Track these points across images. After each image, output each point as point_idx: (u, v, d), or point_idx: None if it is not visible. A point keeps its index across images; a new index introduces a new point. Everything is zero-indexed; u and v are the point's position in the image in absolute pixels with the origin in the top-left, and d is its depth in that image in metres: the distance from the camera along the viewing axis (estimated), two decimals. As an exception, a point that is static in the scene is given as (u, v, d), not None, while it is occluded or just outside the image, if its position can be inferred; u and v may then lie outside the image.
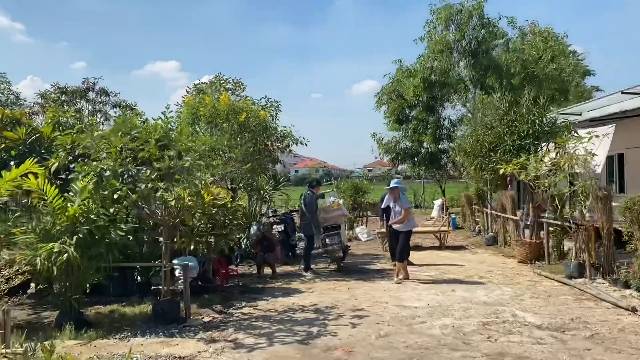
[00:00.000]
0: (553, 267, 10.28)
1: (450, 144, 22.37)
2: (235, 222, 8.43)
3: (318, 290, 8.68)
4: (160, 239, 7.57)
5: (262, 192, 18.04)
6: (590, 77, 23.34)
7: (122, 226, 6.83)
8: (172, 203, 6.31)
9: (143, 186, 6.00)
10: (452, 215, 19.92)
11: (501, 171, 10.12)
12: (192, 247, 7.92)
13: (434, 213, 24.41)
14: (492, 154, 11.26)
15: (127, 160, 6.32)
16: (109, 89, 14.12)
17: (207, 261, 8.77)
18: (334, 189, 12.09)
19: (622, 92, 11.50)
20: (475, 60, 18.57)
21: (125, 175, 6.44)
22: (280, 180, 19.80)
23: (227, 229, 8.24)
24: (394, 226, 9.68)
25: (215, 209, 8.17)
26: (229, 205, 8.46)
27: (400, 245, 9.47)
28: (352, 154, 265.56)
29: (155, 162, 6.40)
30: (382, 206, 10.54)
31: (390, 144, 22.66)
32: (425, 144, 21.96)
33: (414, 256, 11.45)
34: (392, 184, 9.86)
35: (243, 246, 12.28)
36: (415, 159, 22.34)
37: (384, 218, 11.32)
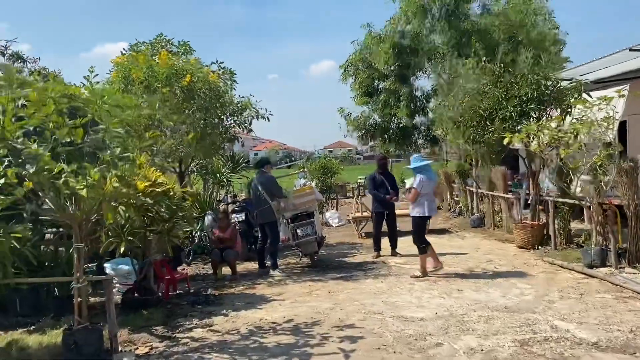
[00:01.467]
0: (562, 253, 8.87)
1: (423, 118, 20.85)
2: (181, 214, 6.54)
3: (291, 297, 6.95)
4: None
5: (218, 175, 16.15)
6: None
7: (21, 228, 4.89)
8: (83, 193, 4.38)
9: (32, 169, 4.05)
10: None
11: (504, 141, 8.55)
12: (122, 249, 6.01)
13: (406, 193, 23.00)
14: (488, 123, 9.70)
15: (14, 131, 4.35)
16: (25, 54, 11.79)
17: (147, 265, 6.88)
18: (305, 169, 10.23)
19: (631, 50, 10.13)
20: (453, 24, 16.94)
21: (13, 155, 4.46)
22: (239, 161, 17.88)
23: (171, 224, 6.35)
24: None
25: (153, 199, 6.26)
26: (172, 193, 6.55)
27: (413, 236, 8.08)
28: (311, 135, 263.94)
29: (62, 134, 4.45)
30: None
31: (360, 120, 20.90)
32: (396, 119, 20.31)
33: (385, 241, 9.89)
34: (410, 164, 8.17)
35: (196, 240, 10.39)
36: (386, 135, 20.69)
37: (377, 195, 9.62)
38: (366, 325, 5.49)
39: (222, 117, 10.99)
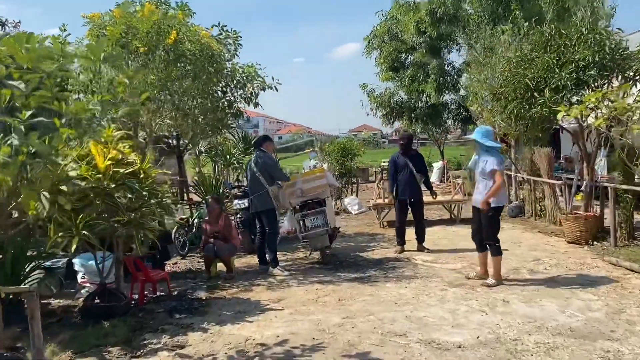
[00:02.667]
0: (625, 251, 7.36)
1: (453, 95, 19.14)
2: (153, 201, 5.24)
3: (292, 305, 5.62)
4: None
5: (228, 157, 14.89)
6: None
7: None
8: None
9: None
10: (458, 181, 16.93)
11: (559, 115, 7.00)
12: (74, 245, 4.75)
13: (433, 177, 21.41)
14: (535, 94, 8.12)
15: None
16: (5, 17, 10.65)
17: (114, 263, 5.63)
18: (316, 150, 8.81)
19: None
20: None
21: None
22: (252, 141, 16.67)
23: (138, 214, 5.06)
24: (473, 200, 6.31)
25: (117, 182, 4.98)
26: (143, 175, 5.26)
27: (485, 231, 6.15)
28: (336, 119, 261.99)
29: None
30: (469, 165, 6.68)
31: (384, 97, 19.30)
32: (424, 96, 18.64)
33: (411, 232, 8.49)
34: (472, 134, 6.31)
35: (194, 229, 9.13)
36: (413, 114, 19.08)
37: (394, 188, 8.24)
38: (384, 354, 4.12)
39: (226, 89, 9.66)
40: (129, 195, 5.09)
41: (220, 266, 7.24)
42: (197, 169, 15.89)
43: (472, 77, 12.80)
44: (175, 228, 8.70)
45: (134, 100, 5.95)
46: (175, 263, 8.16)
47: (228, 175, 15.75)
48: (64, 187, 4.73)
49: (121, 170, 5.03)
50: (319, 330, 4.74)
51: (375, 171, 24.15)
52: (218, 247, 6.95)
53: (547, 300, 5.39)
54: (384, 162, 24.79)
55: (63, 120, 3.51)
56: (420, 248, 8.26)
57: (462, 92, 18.36)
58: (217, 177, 14.13)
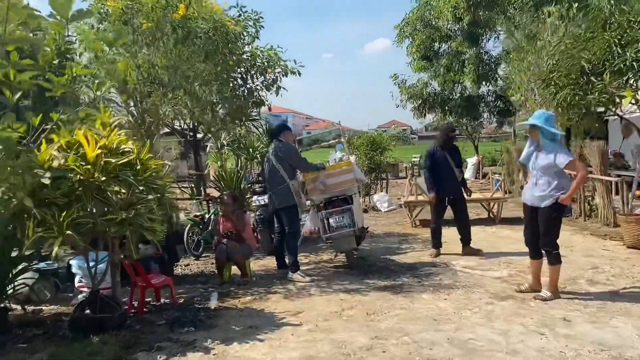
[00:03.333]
0: (699, 259, 6.35)
1: (490, 87, 18.01)
2: (151, 197, 4.53)
3: (311, 319, 4.85)
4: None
5: (251, 150, 14.21)
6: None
7: None
8: None
9: None
10: (497, 177, 15.90)
11: (625, 102, 6.05)
12: (56, 247, 4.07)
13: (468, 174, 20.35)
14: (593, 79, 7.15)
15: None
16: None
17: (108, 267, 4.95)
18: (342, 141, 7.98)
19: None
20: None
21: None
22: (269, 131, 15.92)
23: (131, 212, 4.35)
24: (527, 197, 5.36)
25: (108, 175, 4.30)
26: (139, 167, 4.56)
27: (543, 235, 5.20)
28: (365, 115, 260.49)
29: None
30: (521, 159, 5.63)
31: (416, 88, 18.31)
32: (460, 87, 17.56)
33: (454, 236, 7.65)
34: (531, 119, 5.21)
35: (209, 227, 8.44)
36: (447, 107, 18.04)
37: (433, 184, 7.37)
38: (423, 391, 3.31)
39: (245, 75, 8.97)
40: (123, 190, 4.39)
41: (235, 269, 6.52)
42: (219, 162, 15.28)
43: (514, 64, 11.77)
44: (189, 226, 8.02)
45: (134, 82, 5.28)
46: (188, 265, 7.48)
47: (252, 170, 15.11)
48: (45, 180, 4.09)
49: (113, 161, 4.33)
50: (343, 354, 3.96)
51: (405, 167, 23.19)
52: (231, 249, 6.23)
53: (619, 319, 4.49)
54: (414, 157, 23.80)
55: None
56: (470, 251, 7.40)
57: (500, 82, 17.26)
58: (239, 171, 13.46)
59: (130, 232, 4.44)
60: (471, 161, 20.52)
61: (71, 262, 5.79)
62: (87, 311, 4.61)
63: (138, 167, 4.54)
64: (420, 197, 10.68)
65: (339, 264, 7.17)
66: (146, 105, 5.96)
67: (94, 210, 4.36)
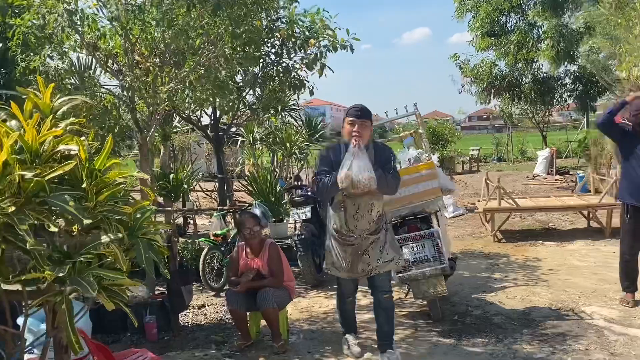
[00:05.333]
0: None
1: (568, 66, 15.40)
2: (114, 237, 2.53)
3: None
4: None
5: (289, 145, 12.21)
6: None
7: None
8: None
9: None
10: (580, 173, 13.45)
11: None
12: None
13: (538, 169, 17.83)
14: None
15: None
16: None
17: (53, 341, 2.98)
18: (414, 133, 5.74)
19: None
20: None
21: None
22: (318, 126, 13.88)
23: (75, 268, 2.36)
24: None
25: (21, 202, 2.30)
26: (87, 183, 2.55)
27: None
28: (404, 105, 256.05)
29: None
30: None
31: (482, 68, 15.86)
32: (535, 66, 15.04)
33: (545, 252, 5.49)
34: None
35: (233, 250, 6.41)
36: (517, 90, 15.55)
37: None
38: None
39: (281, 49, 7.01)
40: (54, 228, 2.42)
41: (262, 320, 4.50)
42: (251, 160, 13.38)
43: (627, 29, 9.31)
44: (206, 249, 6.08)
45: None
46: (203, 307, 5.50)
47: (289, 168, 13.17)
48: None
49: (29, 175, 2.35)
50: None
51: (462, 161, 20.77)
52: (260, 297, 4.18)
53: None
54: (473, 149, 21.36)
55: None
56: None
57: (581, 61, 14.67)
58: (275, 170, 11.48)
59: (65, 301, 2.47)
60: (542, 154, 17.95)
61: (18, 320, 3.89)
62: None
63: (85, 185, 2.55)
64: (506, 203, 8.46)
65: (414, 308, 5.07)
66: (136, 82, 4.00)
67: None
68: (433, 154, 5.60)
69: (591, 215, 8.86)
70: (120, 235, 2.53)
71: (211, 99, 4.80)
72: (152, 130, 4.60)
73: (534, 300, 5.20)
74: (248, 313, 4.36)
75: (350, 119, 3.66)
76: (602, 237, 8.00)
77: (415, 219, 4.68)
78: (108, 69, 4.26)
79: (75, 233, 2.62)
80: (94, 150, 2.93)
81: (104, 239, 2.49)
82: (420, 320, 4.72)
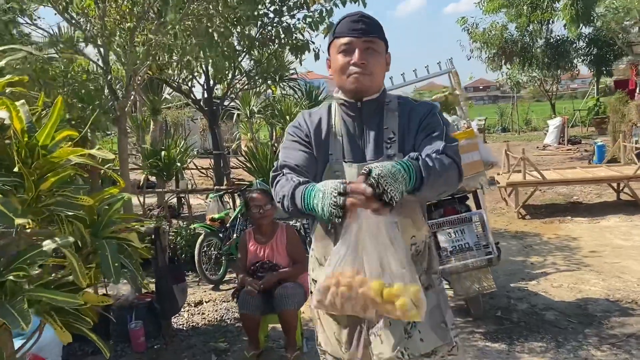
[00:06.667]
0: None
1: (584, 28, 14.48)
2: (59, 242, 1.74)
3: None
4: None
5: (288, 118, 11.36)
6: None
7: None
8: None
9: None
10: (598, 142, 12.68)
11: None
12: None
13: (549, 138, 17.05)
14: None
15: None
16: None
17: None
18: (449, 97, 4.91)
19: None
20: None
21: None
22: (318, 96, 13.13)
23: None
24: None
25: None
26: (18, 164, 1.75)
27: None
28: (398, 78, 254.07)
29: None
30: None
31: (492, 32, 14.89)
32: (549, 29, 14.14)
33: (578, 230, 4.81)
34: None
35: (234, 235, 5.64)
36: (529, 54, 14.64)
37: None
38: None
39: (281, 4, 6.17)
40: None
41: (271, 323, 3.77)
42: (248, 135, 12.58)
43: None
44: (202, 236, 5.32)
45: None
46: (200, 304, 4.76)
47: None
48: None
49: None
50: None
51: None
52: (279, 295, 3.42)
53: None
54: (479, 119, 20.51)
55: None
56: None
57: (598, 23, 13.77)
58: (274, 145, 10.68)
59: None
60: (553, 123, 17.15)
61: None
62: None
63: (18, 168, 1.75)
64: (531, 176, 7.71)
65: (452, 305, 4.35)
66: (106, 32, 3.18)
67: None
68: (473, 122, 4.81)
69: (621, 188, 8.16)
70: (70, 239, 1.75)
71: (202, 59, 3.98)
72: (132, 97, 3.80)
73: (585, 289, 4.48)
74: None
75: (345, 40, 1.74)
76: (636, 211, 7.30)
77: (453, 200, 3.91)
78: (67, 15, 3.42)
79: (16, 236, 1.87)
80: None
81: (47, 245, 1.72)
82: (458, 319, 3.99)
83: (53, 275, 1.97)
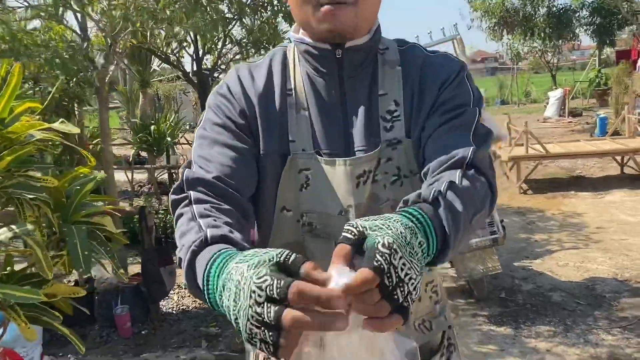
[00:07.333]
0: None
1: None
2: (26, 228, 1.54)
3: None
4: None
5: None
6: None
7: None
8: None
9: None
10: (601, 115, 12.47)
11: None
12: None
13: (550, 111, 16.79)
14: None
15: None
16: None
17: None
18: (455, 40, 4.48)
19: None
20: None
21: None
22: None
23: None
24: None
25: None
26: None
27: None
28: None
29: None
30: None
31: (493, 1, 14.53)
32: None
33: (583, 205, 4.75)
34: None
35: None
36: (531, 24, 14.33)
37: None
38: None
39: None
40: None
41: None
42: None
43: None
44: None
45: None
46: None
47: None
48: None
49: None
50: None
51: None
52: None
53: None
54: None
55: None
56: None
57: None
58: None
59: None
60: (554, 95, 16.85)
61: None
62: None
63: None
64: (534, 150, 7.51)
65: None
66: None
67: None
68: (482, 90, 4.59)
69: (626, 161, 7.99)
70: (29, 226, 1.55)
71: (187, 26, 3.71)
72: (113, 67, 3.55)
73: (592, 268, 4.33)
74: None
75: None
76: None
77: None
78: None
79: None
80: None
81: (3, 234, 1.51)
82: (460, 300, 3.83)
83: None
